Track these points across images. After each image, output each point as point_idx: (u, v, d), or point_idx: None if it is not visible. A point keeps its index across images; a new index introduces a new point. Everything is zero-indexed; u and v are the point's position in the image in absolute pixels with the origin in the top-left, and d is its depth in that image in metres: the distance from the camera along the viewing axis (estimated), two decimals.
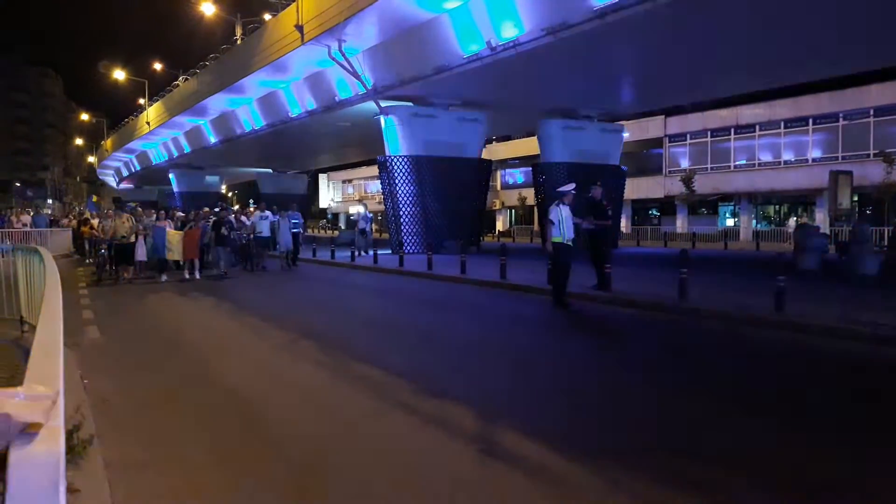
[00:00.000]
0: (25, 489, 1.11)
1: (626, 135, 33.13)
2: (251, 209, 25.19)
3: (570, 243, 10.99)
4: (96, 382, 6.47)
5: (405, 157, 25.92)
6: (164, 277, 16.61)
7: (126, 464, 4.40)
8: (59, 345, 2.07)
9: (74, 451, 4.17)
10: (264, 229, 20.21)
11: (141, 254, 16.65)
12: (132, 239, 16.45)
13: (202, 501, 3.89)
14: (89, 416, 5.07)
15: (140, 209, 22.37)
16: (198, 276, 17.09)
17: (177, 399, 6.09)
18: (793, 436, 4.89)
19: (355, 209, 26.03)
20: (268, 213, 20.66)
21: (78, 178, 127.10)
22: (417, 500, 3.84)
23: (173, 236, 16.76)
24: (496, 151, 49.28)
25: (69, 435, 4.25)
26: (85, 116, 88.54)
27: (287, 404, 5.86)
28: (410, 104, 25.79)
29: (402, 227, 26.06)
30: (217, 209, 20.76)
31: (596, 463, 4.29)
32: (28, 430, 1.23)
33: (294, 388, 6.43)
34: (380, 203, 42.36)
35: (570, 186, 11.33)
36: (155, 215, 18.41)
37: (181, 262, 17.28)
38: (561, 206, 11.00)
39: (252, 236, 19.95)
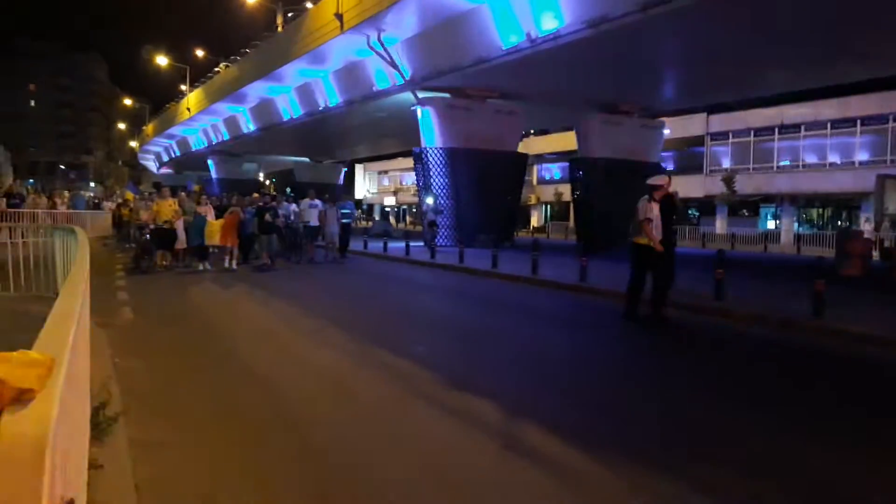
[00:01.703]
0: (12, 455, 1.07)
1: (666, 132, 32.60)
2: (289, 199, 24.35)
3: (654, 246, 9.24)
4: (127, 362, 6.54)
5: (440, 148, 25.84)
6: (206, 266, 15.94)
7: (151, 443, 4.43)
8: (73, 315, 2.04)
9: (100, 427, 4.20)
10: (312, 218, 19.01)
11: (181, 240, 15.99)
12: (175, 224, 15.65)
13: (223, 482, 3.89)
14: (117, 394, 5.11)
15: (183, 193, 21.70)
16: (234, 265, 16.31)
17: (205, 382, 6.13)
18: (810, 441, 4.74)
19: (430, 200, 25.05)
20: (317, 201, 19.43)
21: (120, 163, 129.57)
22: (435, 491, 3.80)
23: (213, 226, 16.12)
24: (533, 145, 48.88)
25: (95, 412, 4.28)
26: (128, 101, 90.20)
27: (312, 390, 5.85)
28: (447, 95, 25.68)
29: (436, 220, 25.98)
30: (265, 196, 20.18)
31: (618, 464, 4.20)
32: (23, 398, 1.19)
33: (320, 374, 6.43)
34: (414, 195, 42.44)
35: (663, 179, 9.68)
36: (198, 200, 17.50)
37: (217, 250, 16.63)
38: (652, 202, 9.27)
39: (302, 226, 18.95)
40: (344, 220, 20.28)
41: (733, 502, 3.72)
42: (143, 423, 4.80)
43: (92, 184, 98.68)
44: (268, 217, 16.81)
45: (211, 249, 16.62)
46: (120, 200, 28.03)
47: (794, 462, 4.33)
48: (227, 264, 16.31)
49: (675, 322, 9.44)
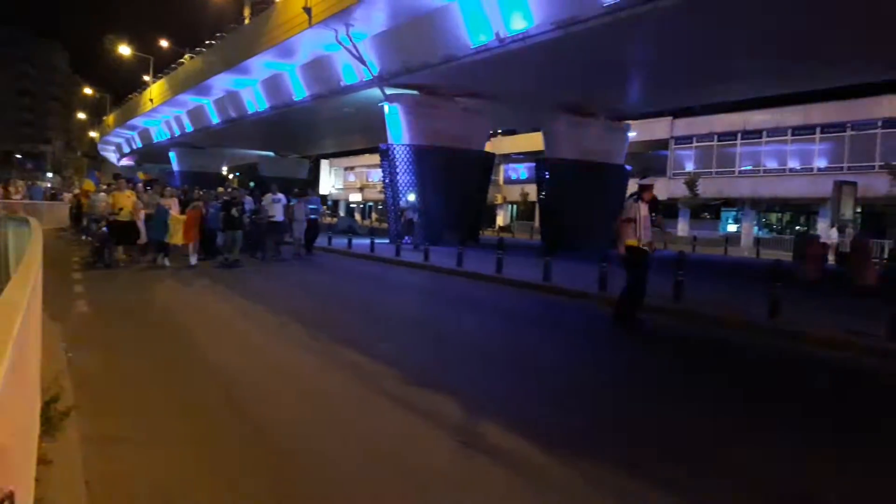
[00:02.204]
0: None
1: (632, 134, 32.97)
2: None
3: (646, 248, 9.14)
4: (80, 356, 6.37)
5: (407, 146, 25.77)
6: (165, 262, 15.09)
7: (103, 438, 4.33)
8: (21, 305, 1.96)
9: (51, 422, 4.08)
10: (277, 213, 18.17)
11: (143, 235, 15.18)
12: (136, 217, 14.74)
13: (177, 479, 3.81)
14: (69, 388, 4.98)
15: (141, 185, 20.85)
16: (194, 260, 15.55)
17: (160, 377, 6.00)
18: (767, 439, 4.83)
19: (411, 197, 23.99)
20: (280, 195, 18.51)
21: (79, 153, 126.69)
22: (396, 489, 3.77)
23: (176, 220, 15.19)
24: (500, 145, 49.03)
25: (46, 406, 4.16)
26: (88, 91, 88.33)
27: (272, 387, 5.77)
28: (415, 93, 25.63)
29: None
30: (229, 189, 19.43)
31: (576, 460, 4.23)
32: None
33: (280, 371, 6.35)
34: (380, 192, 42.27)
35: (653, 180, 9.89)
36: (161, 192, 16.51)
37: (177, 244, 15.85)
38: (640, 202, 9.14)
39: (266, 221, 18.09)
40: (311, 216, 19.81)
41: (695, 499, 3.75)
42: (97, 418, 4.68)
43: (50, 174, 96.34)
44: (234, 212, 16.12)
45: (171, 247, 15.83)
46: (78, 190, 27.05)
47: (752, 459, 4.41)
48: (193, 260, 15.58)
49: (643, 324, 9.33)
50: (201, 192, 17.59)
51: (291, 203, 19.00)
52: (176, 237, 15.25)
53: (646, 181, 9.64)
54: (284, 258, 18.44)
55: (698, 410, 5.57)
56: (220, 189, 21.44)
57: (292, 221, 18.77)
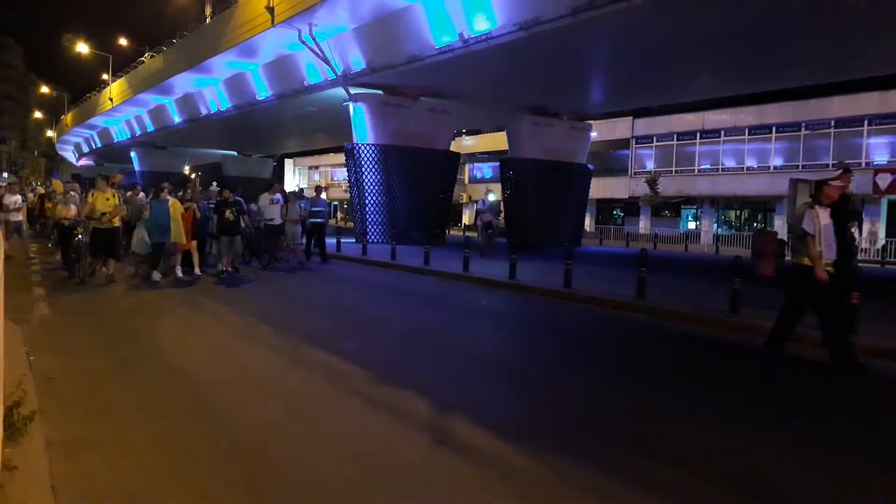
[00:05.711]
0: None
1: (594, 134, 33.39)
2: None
3: (828, 268, 6.89)
4: (43, 359, 6.30)
5: (373, 145, 25.75)
6: (157, 275, 12.64)
7: (69, 443, 4.30)
8: None
9: (14, 427, 4.05)
10: (276, 216, 16.20)
11: (132, 243, 13.21)
12: (116, 222, 12.43)
13: (145, 482, 3.81)
14: (32, 392, 4.92)
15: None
16: (198, 271, 13.56)
17: (126, 379, 5.96)
18: (735, 433, 4.99)
19: (491, 197, 21.24)
20: (278, 196, 16.62)
21: (36, 153, 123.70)
22: (367, 489, 3.80)
23: (178, 212, 12.78)
24: (465, 145, 49.27)
25: (9, 411, 4.12)
26: (45, 89, 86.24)
27: (239, 388, 5.77)
28: (380, 92, 25.61)
29: (367, 216, 25.89)
30: (218, 188, 16.86)
31: (547, 455, 4.31)
32: None
33: (248, 372, 6.34)
34: (345, 191, 42.11)
35: (834, 175, 7.58)
36: (141, 192, 14.46)
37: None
38: (818, 208, 6.93)
39: (263, 224, 16.30)
40: (314, 220, 17.59)
41: (663, 493, 3.84)
42: (62, 422, 4.65)
43: (5, 174, 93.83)
44: (229, 215, 13.90)
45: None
46: (43, 191, 25.85)
47: (722, 453, 4.55)
48: (180, 273, 13.24)
49: (869, 368, 6.98)
50: (195, 192, 14.92)
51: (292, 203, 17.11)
52: (178, 234, 12.82)
53: (827, 179, 7.20)
54: (291, 268, 16.27)
55: (671, 405, 5.70)
56: (212, 187, 20.19)
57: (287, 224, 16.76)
